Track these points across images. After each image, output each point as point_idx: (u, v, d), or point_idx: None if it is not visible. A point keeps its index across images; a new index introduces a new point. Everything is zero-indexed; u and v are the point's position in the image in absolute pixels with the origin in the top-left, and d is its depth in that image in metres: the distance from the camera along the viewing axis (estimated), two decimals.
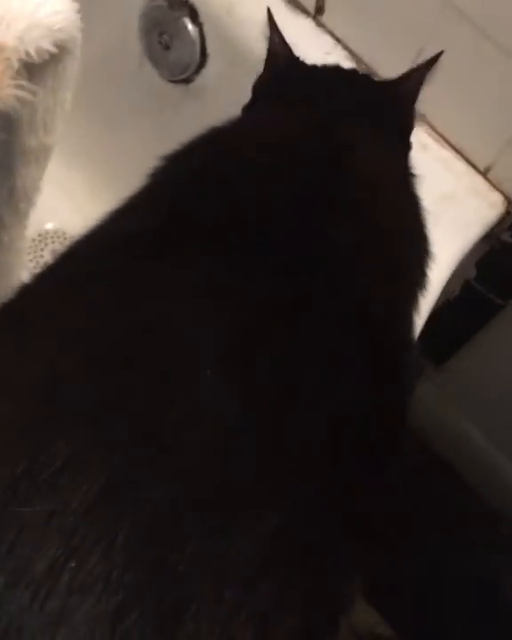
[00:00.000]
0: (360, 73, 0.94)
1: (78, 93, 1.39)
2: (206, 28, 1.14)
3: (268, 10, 0.90)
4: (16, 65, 0.58)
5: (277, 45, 0.86)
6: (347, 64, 1.08)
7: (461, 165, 1.04)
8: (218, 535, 0.42)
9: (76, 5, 0.63)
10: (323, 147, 0.66)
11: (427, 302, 0.92)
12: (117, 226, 0.59)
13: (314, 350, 0.50)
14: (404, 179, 0.72)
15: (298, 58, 0.88)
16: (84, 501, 0.40)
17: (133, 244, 0.54)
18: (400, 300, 0.63)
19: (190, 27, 1.14)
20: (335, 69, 0.88)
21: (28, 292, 0.55)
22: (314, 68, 0.85)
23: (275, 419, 0.46)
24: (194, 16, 1.14)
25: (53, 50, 0.61)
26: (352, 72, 0.91)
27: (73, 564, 0.39)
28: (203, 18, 1.13)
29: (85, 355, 0.46)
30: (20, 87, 0.59)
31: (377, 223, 0.63)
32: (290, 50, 0.87)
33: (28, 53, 0.59)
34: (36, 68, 0.63)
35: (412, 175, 0.73)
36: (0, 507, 0.41)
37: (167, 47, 1.19)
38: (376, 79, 0.95)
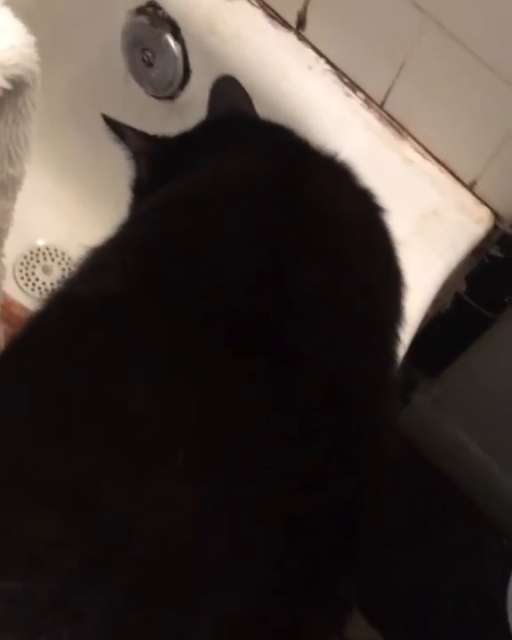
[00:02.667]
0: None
1: (66, 109, 1.39)
2: (188, 45, 1.13)
3: (104, 117, 0.86)
4: None
5: (137, 139, 0.84)
6: (328, 78, 1.06)
7: (447, 179, 1.02)
8: (182, 620, 0.42)
9: (31, 38, 0.62)
10: (289, 192, 0.64)
11: (414, 319, 0.91)
12: (84, 288, 0.58)
13: (282, 432, 0.49)
14: (371, 214, 0.71)
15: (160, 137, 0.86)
16: (51, 581, 0.40)
17: (100, 313, 0.53)
18: (377, 356, 0.61)
19: (172, 43, 1.13)
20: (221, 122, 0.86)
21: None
22: (194, 133, 0.84)
23: (241, 505, 0.46)
24: (176, 33, 1.13)
25: (7, 86, 0.60)
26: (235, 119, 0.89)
27: None
28: (184, 34, 1.12)
29: (55, 436, 0.46)
30: None
31: (351, 268, 0.62)
32: (147, 135, 0.85)
33: None
34: None
35: (380, 209, 0.72)
36: None
37: (150, 64, 1.18)
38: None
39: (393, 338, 0.64)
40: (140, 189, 0.83)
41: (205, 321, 0.52)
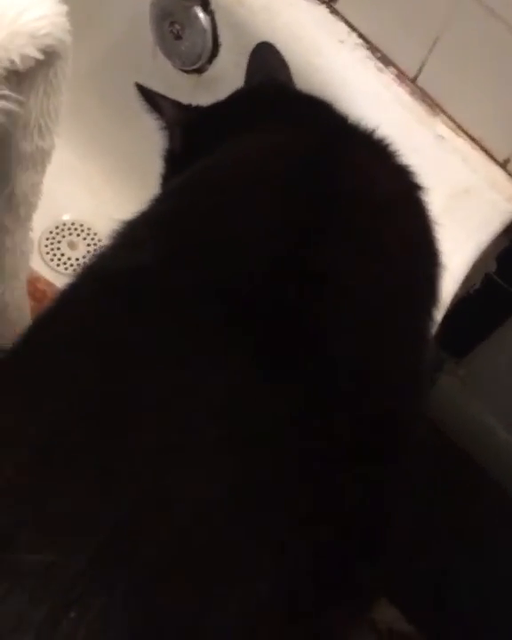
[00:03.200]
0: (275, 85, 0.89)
1: (92, 82, 1.38)
2: (218, 18, 1.11)
3: (138, 86, 0.85)
4: (1, 75, 0.56)
5: (171, 108, 0.83)
6: (360, 52, 1.04)
7: (479, 157, 1.00)
8: (209, 596, 0.42)
9: (63, 8, 0.61)
10: (325, 170, 0.63)
11: (444, 300, 0.90)
12: (116, 262, 0.57)
13: (312, 420, 0.49)
14: (409, 193, 0.69)
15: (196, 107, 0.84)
16: (84, 554, 0.40)
17: (131, 289, 0.53)
18: (412, 340, 0.60)
19: (202, 16, 1.12)
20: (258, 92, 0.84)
21: (31, 343, 0.54)
22: (235, 100, 0.82)
23: (271, 490, 0.46)
24: (205, 5, 1.11)
25: (40, 56, 0.59)
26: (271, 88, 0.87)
27: (73, 615, 0.39)
28: (214, 7, 1.10)
29: (87, 414, 0.46)
30: (5, 97, 0.57)
31: (387, 252, 0.61)
32: (180, 104, 0.84)
33: (12, 62, 0.57)
34: (24, 75, 0.61)
35: (419, 188, 0.70)
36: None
37: (179, 37, 1.17)
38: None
39: (427, 320, 0.63)
40: (173, 160, 0.82)
41: (233, 302, 0.51)
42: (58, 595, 0.39)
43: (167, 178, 0.84)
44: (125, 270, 0.55)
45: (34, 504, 0.42)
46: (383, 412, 0.53)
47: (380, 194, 0.65)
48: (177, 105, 0.83)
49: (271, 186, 0.61)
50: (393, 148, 0.72)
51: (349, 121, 0.77)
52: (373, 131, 0.74)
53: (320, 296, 0.54)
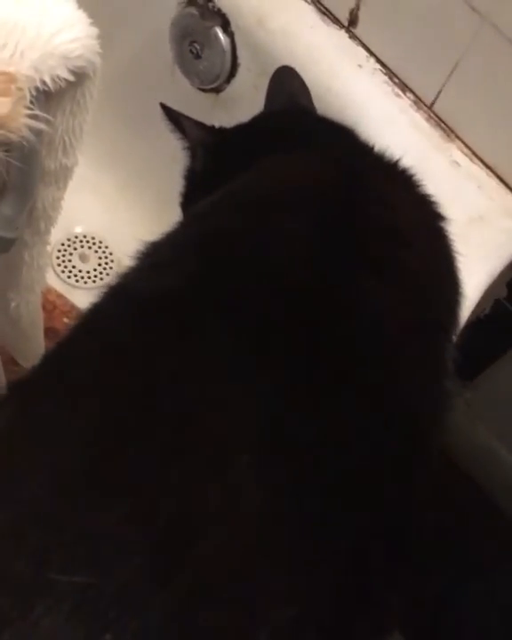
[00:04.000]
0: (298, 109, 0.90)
1: (109, 98, 1.39)
2: (237, 39, 1.12)
3: (163, 106, 0.86)
4: (30, 95, 0.56)
5: (195, 129, 0.84)
6: (378, 77, 1.06)
7: (495, 184, 1.01)
8: (242, 622, 0.42)
9: (94, 30, 0.62)
10: (351, 200, 0.63)
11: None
12: (143, 284, 0.58)
13: (342, 437, 0.49)
14: (433, 223, 0.70)
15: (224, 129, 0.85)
16: (120, 577, 0.41)
17: (159, 311, 0.53)
18: (434, 370, 0.61)
19: (221, 36, 1.13)
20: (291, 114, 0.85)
21: (60, 361, 0.54)
22: (261, 122, 0.83)
23: (304, 514, 0.46)
24: (225, 26, 1.12)
25: (70, 78, 0.60)
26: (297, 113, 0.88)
27: (109, 637, 0.39)
28: (234, 28, 1.12)
29: (121, 435, 0.47)
30: (35, 117, 0.58)
31: (414, 282, 0.61)
32: (204, 125, 0.85)
33: (44, 82, 0.58)
34: (52, 95, 0.62)
35: (442, 218, 0.71)
36: (36, 572, 0.41)
37: (198, 56, 1.18)
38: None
39: (450, 348, 0.64)
40: (195, 179, 0.83)
41: (261, 329, 0.52)
42: (94, 617, 0.39)
43: (187, 196, 0.85)
44: (152, 292, 0.55)
45: (69, 526, 0.42)
46: (409, 438, 0.53)
47: (406, 224, 0.66)
48: (201, 126, 0.84)
49: (301, 214, 0.61)
50: (417, 177, 0.73)
51: (373, 150, 0.78)
52: (398, 160, 0.75)
53: (350, 324, 0.54)
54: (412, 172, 0.73)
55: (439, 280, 0.67)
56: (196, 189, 0.83)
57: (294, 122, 0.82)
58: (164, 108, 0.83)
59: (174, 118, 0.84)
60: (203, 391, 0.48)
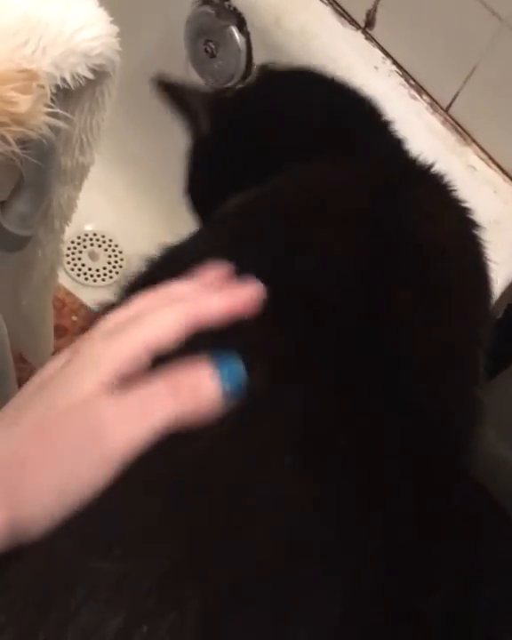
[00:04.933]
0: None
1: (121, 96, 1.39)
2: (253, 38, 1.12)
3: (158, 79, 0.81)
4: (50, 92, 0.56)
5: (199, 96, 0.80)
6: (394, 79, 1.05)
7: (509, 188, 1.00)
8: (279, 622, 0.41)
9: (114, 28, 0.62)
10: (383, 210, 0.62)
11: None
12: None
13: (382, 451, 0.49)
14: (467, 232, 0.69)
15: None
16: (157, 569, 0.40)
17: None
18: (468, 386, 0.60)
19: (237, 36, 1.12)
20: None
21: None
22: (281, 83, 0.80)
23: (345, 513, 0.45)
24: (241, 25, 1.12)
25: (90, 76, 0.60)
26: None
27: (145, 629, 0.38)
28: (250, 27, 1.11)
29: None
30: (54, 115, 0.57)
31: (455, 293, 0.61)
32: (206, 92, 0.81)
33: (64, 80, 0.57)
34: (72, 93, 0.61)
35: (476, 226, 0.70)
36: (75, 558, 0.41)
37: (213, 55, 1.17)
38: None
39: (483, 358, 0.63)
40: (201, 152, 0.80)
41: (305, 334, 0.51)
42: (130, 607, 0.39)
43: (194, 178, 0.82)
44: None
45: (112, 511, 0.42)
46: (450, 446, 0.53)
47: (446, 235, 0.65)
48: (202, 91, 0.82)
49: (334, 221, 0.60)
50: (449, 184, 0.72)
51: (407, 155, 0.76)
52: (431, 165, 0.74)
53: (395, 336, 0.54)
54: (444, 178, 0.73)
55: (475, 290, 0.66)
56: (202, 162, 0.80)
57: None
58: (160, 82, 0.80)
59: (173, 89, 0.81)
60: (247, 394, 0.47)
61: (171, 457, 0.44)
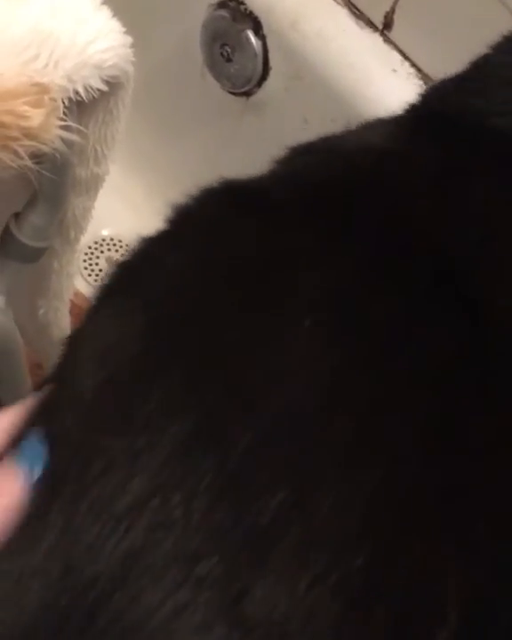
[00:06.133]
0: None
1: (138, 101, 1.38)
2: (269, 42, 1.11)
3: None
4: (62, 105, 0.55)
5: None
6: (413, 82, 1.04)
7: None
8: (306, 492, 0.39)
9: (128, 39, 0.61)
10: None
11: None
12: None
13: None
14: None
15: None
16: (171, 442, 0.39)
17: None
18: None
19: (253, 39, 1.11)
20: None
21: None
22: None
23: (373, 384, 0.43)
24: (257, 29, 1.11)
25: (104, 87, 0.59)
26: None
27: (156, 503, 0.38)
28: (266, 31, 1.10)
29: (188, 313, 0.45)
30: (67, 128, 0.57)
31: None
32: None
33: (77, 92, 0.57)
34: (86, 105, 0.61)
35: None
36: (89, 435, 0.41)
37: (229, 59, 1.17)
38: None
39: None
40: None
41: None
42: (148, 477, 0.39)
43: None
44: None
45: (126, 390, 0.42)
46: None
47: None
48: None
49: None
50: None
51: None
52: None
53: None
54: None
55: None
56: None
57: None
58: None
59: None
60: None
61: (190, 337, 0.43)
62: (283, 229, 0.48)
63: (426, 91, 0.64)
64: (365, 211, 0.50)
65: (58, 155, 0.57)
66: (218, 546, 0.38)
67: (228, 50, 1.16)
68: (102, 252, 1.43)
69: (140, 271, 0.49)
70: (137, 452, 0.39)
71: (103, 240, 1.44)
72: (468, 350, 0.46)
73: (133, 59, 0.64)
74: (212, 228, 0.50)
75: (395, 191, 0.52)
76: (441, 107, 0.61)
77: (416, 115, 0.62)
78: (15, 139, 0.52)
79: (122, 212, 1.45)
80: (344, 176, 0.53)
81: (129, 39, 0.61)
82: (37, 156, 0.57)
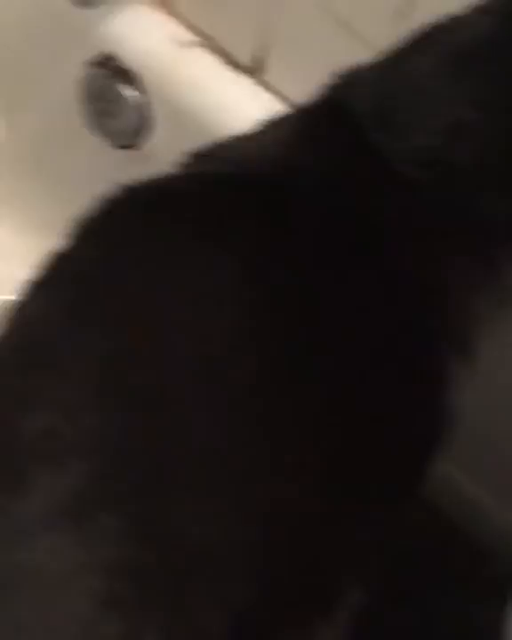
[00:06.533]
0: None
1: (27, 164, 1.38)
2: (149, 94, 1.13)
3: None
4: None
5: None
6: None
7: None
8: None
9: None
10: None
11: None
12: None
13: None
14: None
15: None
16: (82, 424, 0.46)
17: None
18: None
19: (131, 94, 1.13)
20: None
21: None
22: None
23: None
24: (135, 83, 1.12)
25: None
26: None
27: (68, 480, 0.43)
28: (145, 84, 1.12)
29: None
30: None
31: None
32: None
33: None
34: None
35: None
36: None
37: (111, 115, 1.18)
38: None
39: None
40: None
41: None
42: (58, 461, 0.44)
43: None
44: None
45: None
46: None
47: None
48: None
49: None
50: None
51: None
52: None
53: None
54: None
55: None
56: None
57: None
58: None
59: None
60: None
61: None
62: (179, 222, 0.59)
63: (337, 80, 0.73)
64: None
65: None
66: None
67: (109, 106, 1.17)
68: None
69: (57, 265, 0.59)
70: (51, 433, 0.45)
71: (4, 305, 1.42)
72: None
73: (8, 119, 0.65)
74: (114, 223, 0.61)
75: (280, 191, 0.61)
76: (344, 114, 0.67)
77: (315, 116, 0.70)
78: None
79: (21, 275, 1.44)
80: (235, 180, 0.63)
81: None
82: None
